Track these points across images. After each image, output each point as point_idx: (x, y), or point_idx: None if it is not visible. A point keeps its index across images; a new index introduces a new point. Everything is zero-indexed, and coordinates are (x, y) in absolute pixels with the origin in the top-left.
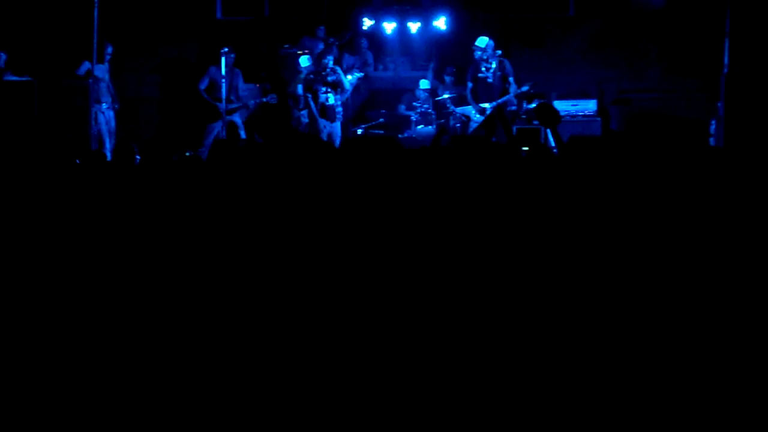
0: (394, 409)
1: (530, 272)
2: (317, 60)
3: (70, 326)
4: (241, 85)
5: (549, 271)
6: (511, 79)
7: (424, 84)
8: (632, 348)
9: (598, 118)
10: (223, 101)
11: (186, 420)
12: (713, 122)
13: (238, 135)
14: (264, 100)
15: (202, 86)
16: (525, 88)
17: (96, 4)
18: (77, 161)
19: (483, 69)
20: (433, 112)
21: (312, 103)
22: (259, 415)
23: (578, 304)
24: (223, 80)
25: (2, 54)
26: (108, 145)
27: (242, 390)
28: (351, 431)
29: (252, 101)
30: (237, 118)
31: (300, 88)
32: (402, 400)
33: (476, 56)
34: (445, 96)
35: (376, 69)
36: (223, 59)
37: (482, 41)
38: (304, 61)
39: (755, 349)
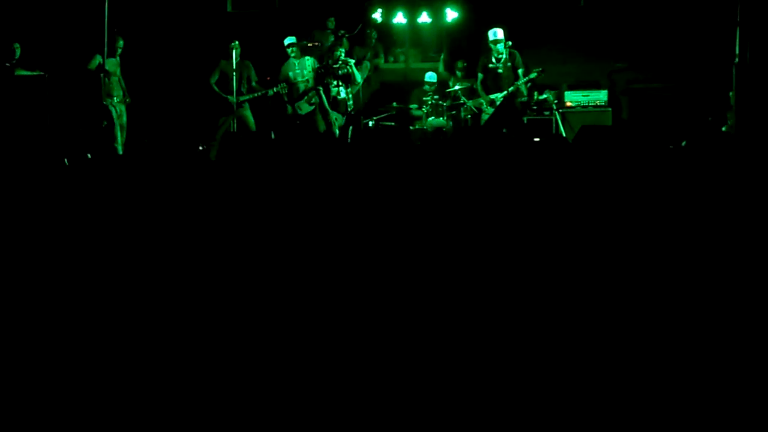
0: (394, 408)
1: (539, 261)
2: (328, 52)
3: (78, 317)
4: (253, 77)
5: (558, 259)
6: (520, 70)
7: (432, 77)
8: (640, 341)
9: (609, 109)
10: (234, 94)
11: (186, 420)
12: (727, 112)
13: (249, 129)
14: (275, 89)
15: (214, 80)
16: (532, 75)
17: None
18: (88, 155)
19: (493, 60)
20: (443, 104)
21: (323, 96)
22: (260, 415)
23: (587, 296)
24: (234, 73)
25: (16, 47)
26: (119, 140)
27: (244, 388)
28: (351, 431)
29: (262, 92)
30: (248, 112)
31: (292, 76)
32: (403, 400)
33: (487, 47)
34: (456, 87)
35: (386, 61)
36: (233, 52)
37: (494, 32)
38: (288, 39)
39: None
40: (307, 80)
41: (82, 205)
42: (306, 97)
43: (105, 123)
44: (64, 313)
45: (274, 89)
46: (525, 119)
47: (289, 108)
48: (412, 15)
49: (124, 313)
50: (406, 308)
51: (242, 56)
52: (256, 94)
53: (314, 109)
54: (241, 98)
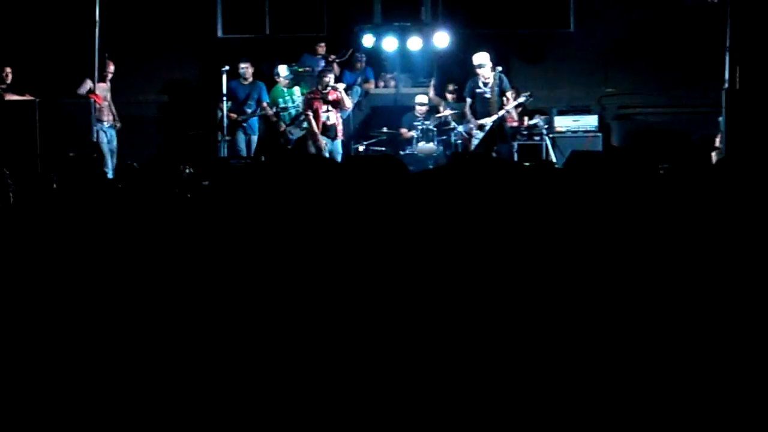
0: (393, 409)
1: (531, 287)
2: (318, 78)
3: (70, 335)
4: (264, 97)
5: (549, 285)
6: (509, 94)
7: (421, 99)
8: (628, 358)
9: (600, 134)
10: (224, 116)
11: (186, 420)
12: (718, 137)
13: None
14: (260, 112)
15: (225, 102)
16: (521, 100)
17: (97, 23)
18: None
19: (481, 85)
20: (434, 129)
21: (313, 122)
22: (259, 415)
23: (578, 319)
24: (224, 97)
25: (8, 71)
26: (110, 164)
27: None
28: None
29: (262, 112)
30: (255, 136)
31: (281, 102)
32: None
33: (474, 72)
34: (447, 113)
35: (377, 86)
36: (224, 77)
37: (477, 56)
38: (283, 70)
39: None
40: (297, 106)
41: (73, 229)
42: (296, 123)
43: (95, 155)
44: (51, 334)
45: (261, 111)
46: (515, 144)
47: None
48: (402, 40)
49: (109, 336)
50: (400, 326)
51: (254, 76)
52: (259, 112)
53: (304, 135)
54: (242, 117)
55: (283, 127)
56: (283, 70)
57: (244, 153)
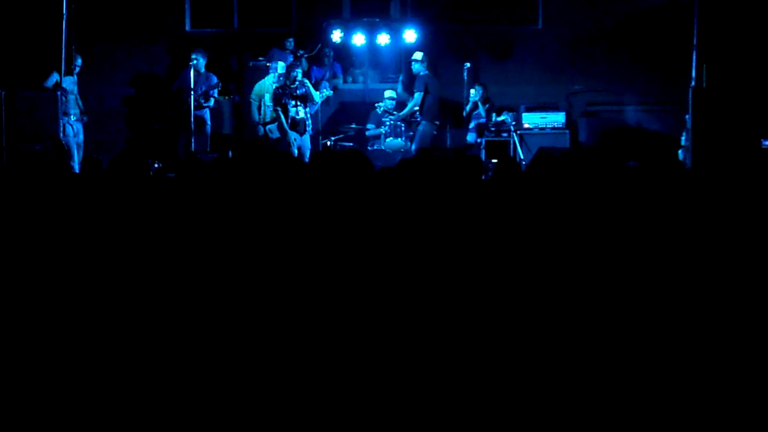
0: (392, 409)
1: (499, 282)
2: (286, 73)
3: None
4: (213, 91)
5: (516, 280)
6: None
7: (390, 94)
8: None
9: (567, 131)
10: (191, 108)
11: (186, 420)
12: (684, 134)
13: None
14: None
15: (173, 88)
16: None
17: (65, 16)
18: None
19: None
20: (401, 124)
21: (282, 117)
22: (259, 415)
23: (544, 317)
24: (192, 90)
25: None
26: (76, 158)
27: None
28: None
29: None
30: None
31: (267, 98)
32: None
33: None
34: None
35: (345, 81)
36: (191, 68)
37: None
38: (281, 67)
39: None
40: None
41: (39, 223)
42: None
43: (53, 152)
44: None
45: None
46: (483, 140)
47: (262, 129)
48: (371, 36)
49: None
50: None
51: (206, 68)
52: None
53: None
54: (197, 112)
55: (257, 120)
56: (281, 66)
57: (191, 146)
